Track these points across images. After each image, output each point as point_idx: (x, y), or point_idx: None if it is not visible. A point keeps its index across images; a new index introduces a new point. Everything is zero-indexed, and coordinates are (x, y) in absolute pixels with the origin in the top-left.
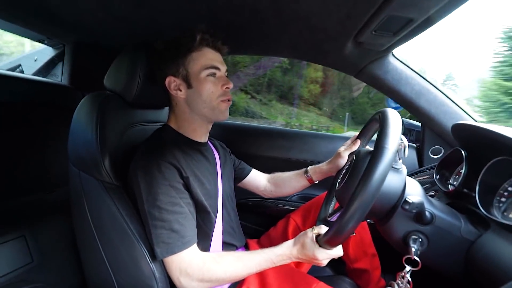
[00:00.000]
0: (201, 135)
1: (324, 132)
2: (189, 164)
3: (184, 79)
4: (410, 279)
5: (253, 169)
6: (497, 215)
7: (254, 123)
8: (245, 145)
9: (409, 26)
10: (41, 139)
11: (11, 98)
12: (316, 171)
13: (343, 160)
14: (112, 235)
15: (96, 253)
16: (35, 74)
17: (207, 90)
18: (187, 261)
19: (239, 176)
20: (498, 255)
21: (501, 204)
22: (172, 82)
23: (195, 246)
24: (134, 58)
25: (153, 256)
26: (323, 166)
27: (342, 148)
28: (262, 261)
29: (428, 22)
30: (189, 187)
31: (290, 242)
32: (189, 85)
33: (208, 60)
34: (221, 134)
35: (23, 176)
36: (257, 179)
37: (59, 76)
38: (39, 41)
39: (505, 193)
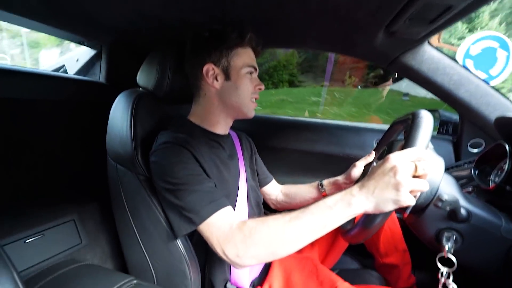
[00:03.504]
0: (223, 128)
1: (351, 123)
2: (205, 152)
3: (224, 70)
4: (455, 286)
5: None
6: None
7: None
8: (271, 137)
9: (447, 14)
10: (83, 133)
11: (57, 96)
12: (331, 182)
13: (359, 170)
14: (147, 222)
15: (133, 238)
16: (77, 73)
17: (244, 85)
18: (225, 223)
19: (260, 182)
20: None
21: None
22: (210, 70)
23: (230, 208)
24: (164, 56)
25: (186, 244)
26: (338, 178)
27: (358, 161)
28: (315, 210)
29: (468, 9)
30: (207, 174)
31: (354, 186)
32: (227, 77)
33: (250, 59)
34: (247, 127)
35: (69, 167)
36: (272, 188)
37: (98, 75)
38: (79, 43)
39: None
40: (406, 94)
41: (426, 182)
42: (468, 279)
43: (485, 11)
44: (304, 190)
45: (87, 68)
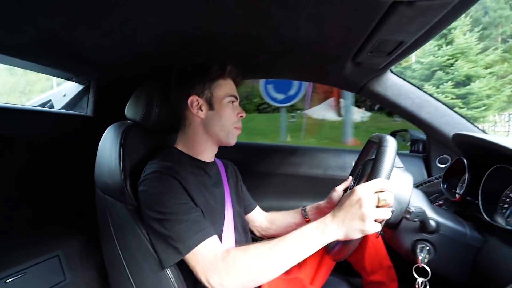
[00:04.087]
0: (208, 156)
1: (331, 147)
2: (192, 180)
3: (207, 100)
4: None
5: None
6: (501, 222)
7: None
8: (256, 163)
9: (400, 47)
10: (70, 166)
11: (43, 131)
12: (314, 208)
13: (338, 194)
14: (136, 252)
15: (122, 270)
16: (64, 108)
17: (227, 114)
18: (210, 252)
19: (244, 209)
20: (504, 260)
21: (504, 211)
22: (195, 101)
23: (215, 237)
24: (151, 89)
25: (175, 273)
26: (321, 203)
27: (338, 186)
28: (293, 238)
29: (417, 43)
30: (195, 202)
31: (327, 216)
32: (211, 107)
33: (231, 90)
34: (232, 154)
35: (55, 201)
36: (256, 215)
37: (85, 108)
38: (68, 79)
39: (507, 200)
40: None
41: (387, 211)
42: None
43: (457, 27)
44: (288, 216)
45: (74, 102)
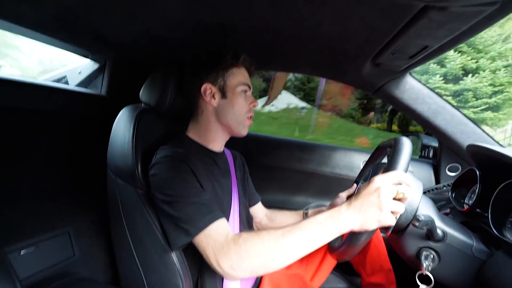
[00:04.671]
0: (219, 145)
1: (340, 146)
2: (201, 167)
3: (220, 88)
4: None
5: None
6: (509, 236)
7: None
8: (264, 155)
9: (424, 52)
10: (83, 145)
11: (57, 107)
12: (316, 212)
13: (342, 201)
14: (143, 236)
15: (129, 251)
16: (78, 85)
17: (240, 103)
18: (221, 234)
19: (248, 201)
20: (508, 276)
21: None
22: (208, 89)
23: (225, 220)
24: (167, 74)
25: (180, 258)
26: (322, 208)
27: (342, 193)
28: (307, 225)
29: (442, 49)
30: (203, 187)
31: (343, 205)
32: (223, 95)
33: (245, 78)
34: (241, 145)
35: (67, 179)
36: (258, 210)
37: (99, 88)
38: (84, 56)
39: None
40: None
41: (403, 205)
42: None
43: None
44: (289, 217)
45: (89, 80)
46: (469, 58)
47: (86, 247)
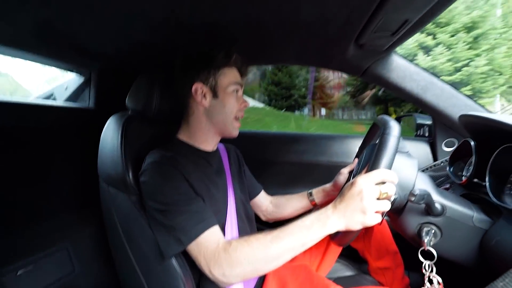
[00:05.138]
0: (211, 145)
1: (335, 134)
2: (193, 170)
3: (211, 88)
4: (439, 279)
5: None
6: (508, 203)
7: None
8: (260, 151)
9: (405, 26)
10: (75, 159)
11: (48, 124)
12: (319, 191)
13: (344, 177)
14: (141, 243)
15: (128, 260)
16: (66, 100)
17: (231, 103)
18: (212, 243)
19: (249, 195)
20: (511, 241)
21: (511, 191)
22: (199, 89)
23: (217, 227)
24: (151, 78)
25: (181, 262)
26: (326, 186)
27: (343, 169)
28: (295, 229)
29: (423, 21)
30: (196, 192)
31: (329, 207)
32: (215, 95)
33: (236, 78)
34: (235, 143)
35: (60, 194)
36: (261, 199)
37: (87, 101)
38: (68, 70)
39: None
40: None
41: (387, 203)
42: (451, 270)
43: None
44: (294, 200)
45: (76, 95)
46: (424, 34)
47: (85, 260)
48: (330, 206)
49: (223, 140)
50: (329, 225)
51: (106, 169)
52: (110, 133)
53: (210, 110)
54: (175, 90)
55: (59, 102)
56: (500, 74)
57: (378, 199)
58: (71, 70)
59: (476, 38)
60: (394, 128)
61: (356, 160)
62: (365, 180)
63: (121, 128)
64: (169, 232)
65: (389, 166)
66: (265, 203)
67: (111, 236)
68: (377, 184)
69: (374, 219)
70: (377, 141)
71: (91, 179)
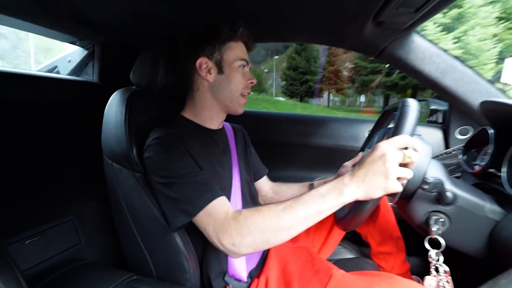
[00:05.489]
0: (215, 123)
1: (344, 117)
2: (198, 147)
3: (217, 63)
4: (446, 268)
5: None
6: None
7: None
8: (265, 132)
9: (431, 2)
10: (79, 133)
11: (51, 97)
12: (321, 182)
13: (347, 170)
14: (144, 219)
15: (132, 235)
16: (70, 74)
17: (237, 79)
18: (221, 212)
19: (254, 174)
20: None
21: None
22: (203, 64)
23: (225, 198)
24: (156, 53)
25: (184, 238)
26: (328, 179)
27: (347, 162)
28: (309, 198)
29: None
30: (201, 167)
31: (346, 175)
32: (220, 71)
33: (242, 53)
34: (241, 122)
35: (66, 168)
36: (263, 183)
37: (91, 75)
38: (71, 42)
39: None
40: None
41: (410, 171)
42: (458, 260)
43: None
44: (295, 189)
45: (80, 68)
46: None
47: (91, 233)
48: (347, 174)
49: (230, 120)
50: (347, 193)
51: (110, 145)
52: (114, 108)
53: (215, 86)
54: (179, 65)
55: (63, 75)
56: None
57: (400, 165)
58: (74, 43)
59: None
60: (413, 102)
61: (361, 153)
62: (388, 144)
63: (125, 104)
64: (176, 204)
65: (412, 134)
66: (265, 187)
67: (115, 210)
68: (400, 149)
69: (396, 186)
70: (393, 120)
71: (95, 154)
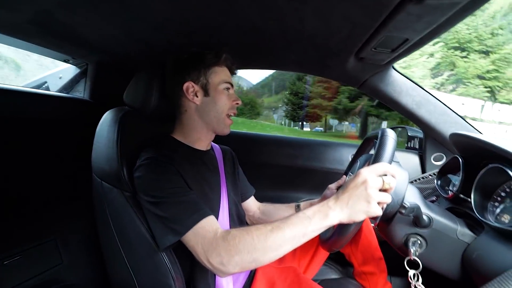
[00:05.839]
0: (204, 144)
1: (330, 140)
2: (188, 168)
3: (202, 87)
4: None
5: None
6: (490, 219)
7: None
8: (253, 153)
9: (405, 45)
10: (67, 151)
11: (38, 114)
12: (307, 204)
13: (332, 192)
14: (132, 239)
15: (118, 255)
16: (60, 90)
17: (223, 100)
18: (209, 232)
19: (241, 195)
20: (490, 256)
21: (494, 209)
22: (190, 88)
23: (213, 218)
24: (151, 75)
25: (171, 257)
26: (314, 200)
27: (331, 184)
28: (295, 220)
29: (422, 41)
30: (190, 188)
31: (330, 199)
32: (206, 93)
33: (227, 76)
34: (229, 143)
35: (52, 186)
36: (251, 203)
37: (82, 92)
38: (64, 61)
39: (498, 198)
40: None
41: (389, 195)
42: (436, 280)
43: None
44: (282, 210)
45: (70, 85)
46: None
47: (74, 253)
48: (332, 198)
49: (219, 141)
50: (332, 216)
51: (100, 164)
52: (106, 127)
53: (202, 108)
54: (168, 89)
55: (53, 92)
56: None
57: (380, 190)
58: (67, 61)
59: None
60: (391, 132)
61: (344, 177)
62: (369, 171)
63: (118, 123)
64: (164, 223)
65: (390, 162)
66: (253, 208)
67: (102, 230)
68: (379, 176)
69: (377, 210)
70: (373, 148)
71: (82, 172)
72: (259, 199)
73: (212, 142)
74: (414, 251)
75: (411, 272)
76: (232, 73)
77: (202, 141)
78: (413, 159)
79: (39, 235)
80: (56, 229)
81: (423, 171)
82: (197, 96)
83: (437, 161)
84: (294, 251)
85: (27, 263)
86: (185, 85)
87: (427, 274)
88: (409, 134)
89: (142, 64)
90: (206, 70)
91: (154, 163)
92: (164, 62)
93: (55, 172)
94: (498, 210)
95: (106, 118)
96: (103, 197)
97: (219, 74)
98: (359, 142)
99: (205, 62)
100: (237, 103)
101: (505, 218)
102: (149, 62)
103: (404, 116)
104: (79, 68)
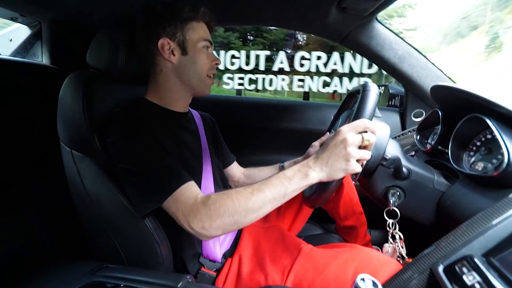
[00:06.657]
0: (181, 106)
1: (312, 101)
2: (164, 131)
3: (180, 44)
4: (401, 235)
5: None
6: (465, 167)
7: None
8: (235, 117)
9: None
10: (28, 122)
11: None
12: (291, 163)
13: (315, 149)
14: (111, 208)
15: (99, 224)
16: (13, 55)
17: (202, 60)
18: (189, 198)
19: (222, 163)
20: (463, 202)
21: (469, 158)
22: (166, 44)
23: (193, 183)
24: (115, 33)
25: (154, 223)
26: (298, 159)
27: (315, 142)
28: (276, 181)
29: None
30: (168, 152)
31: (310, 158)
32: (184, 52)
33: (205, 34)
34: (210, 108)
35: (18, 159)
36: (234, 169)
37: (39, 56)
38: (11, 19)
39: (474, 148)
40: None
41: (369, 152)
42: (411, 228)
43: None
44: (266, 172)
45: (25, 48)
46: None
47: (52, 230)
48: (311, 157)
49: (197, 107)
50: (311, 175)
51: (68, 132)
52: (69, 93)
53: (179, 68)
54: (140, 47)
55: (6, 56)
56: None
57: (360, 147)
58: (15, 19)
59: None
60: (373, 86)
61: (328, 134)
62: (348, 128)
63: (82, 88)
64: (143, 191)
65: (371, 117)
66: (237, 173)
67: (78, 201)
68: (359, 133)
69: (356, 167)
70: (356, 103)
71: (50, 143)
72: (244, 164)
73: (189, 108)
74: (393, 201)
75: (390, 221)
76: (211, 30)
77: (179, 102)
78: (394, 117)
79: (17, 209)
80: (32, 202)
81: (403, 128)
82: (173, 55)
83: (416, 118)
84: (278, 210)
85: (5, 236)
86: (160, 41)
87: (403, 224)
88: (390, 91)
89: (103, 22)
90: (183, 25)
91: (127, 129)
92: (128, 17)
93: (19, 144)
94: (472, 159)
95: (68, 83)
96: (75, 167)
97: (197, 31)
98: (339, 102)
99: (182, 16)
100: (217, 63)
101: (479, 166)
102: (111, 19)
103: (386, 72)
104: (31, 29)
